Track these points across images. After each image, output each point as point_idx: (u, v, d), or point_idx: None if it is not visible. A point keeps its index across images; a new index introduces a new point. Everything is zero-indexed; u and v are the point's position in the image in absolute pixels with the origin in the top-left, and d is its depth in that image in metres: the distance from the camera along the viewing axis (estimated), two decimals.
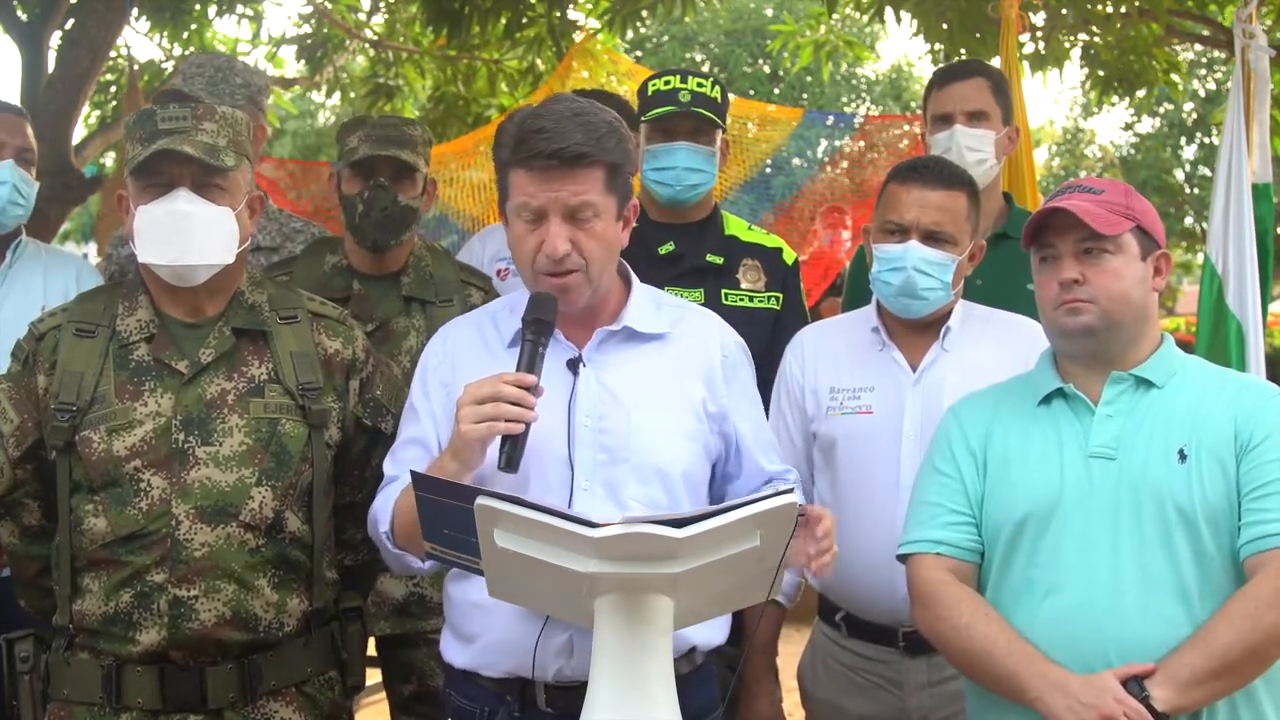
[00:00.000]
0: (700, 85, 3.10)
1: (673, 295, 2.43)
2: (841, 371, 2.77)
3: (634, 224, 2.24)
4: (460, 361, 2.26)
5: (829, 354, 2.80)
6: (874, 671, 2.72)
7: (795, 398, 2.81)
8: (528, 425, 2.01)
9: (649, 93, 3.15)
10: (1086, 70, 6.88)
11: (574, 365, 2.19)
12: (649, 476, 2.17)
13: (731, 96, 3.49)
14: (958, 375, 2.67)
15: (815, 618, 2.89)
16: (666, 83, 3.12)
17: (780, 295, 3.16)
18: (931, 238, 2.65)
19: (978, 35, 5.64)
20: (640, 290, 2.31)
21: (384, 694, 3.35)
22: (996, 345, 2.72)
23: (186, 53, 7.87)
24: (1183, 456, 2.18)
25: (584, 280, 2.14)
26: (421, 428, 2.25)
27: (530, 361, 2.07)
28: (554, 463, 2.14)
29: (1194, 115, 17.76)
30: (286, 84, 8.56)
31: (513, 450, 2.01)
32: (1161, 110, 17.33)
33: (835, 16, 6.87)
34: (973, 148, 3.21)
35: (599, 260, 2.14)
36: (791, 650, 2.94)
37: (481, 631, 2.18)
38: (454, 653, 2.25)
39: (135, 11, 6.53)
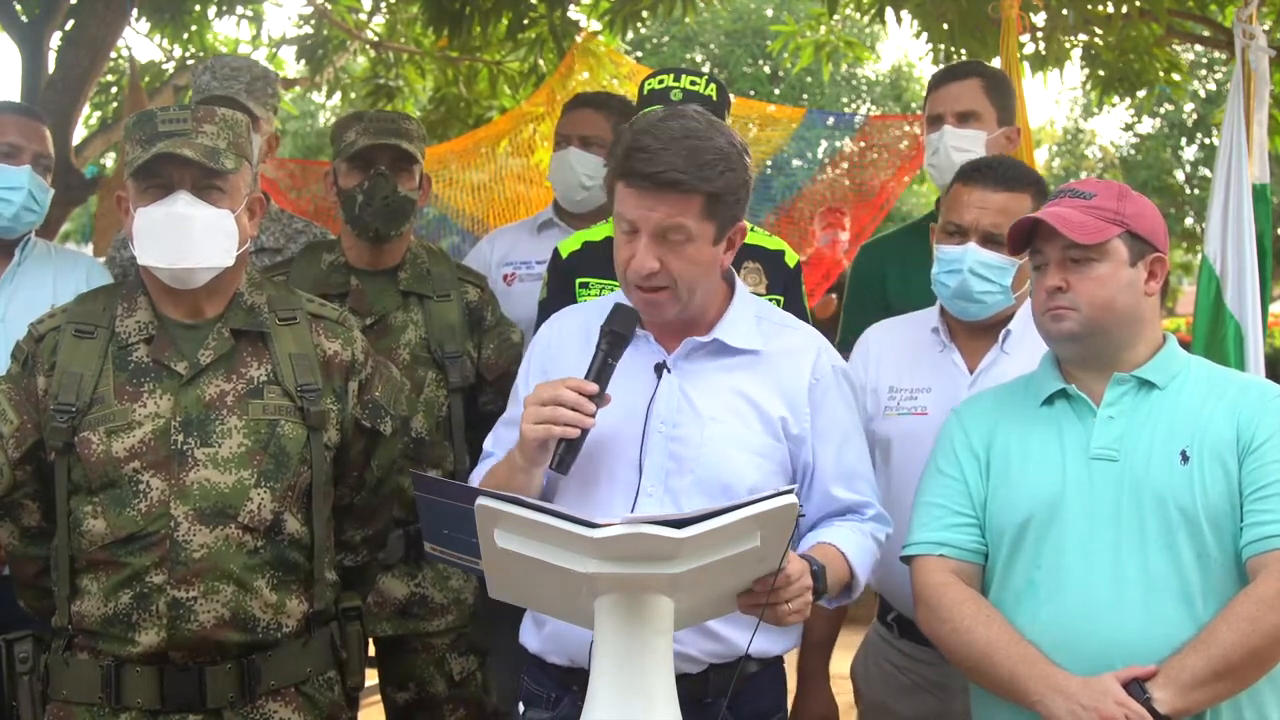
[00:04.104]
0: (694, 84, 3.09)
1: (780, 311, 2.43)
2: (902, 371, 2.75)
3: (739, 245, 2.24)
4: (561, 350, 2.31)
5: (891, 353, 2.79)
6: (918, 673, 2.72)
7: (858, 396, 2.80)
8: (584, 431, 2.05)
9: (644, 92, 3.14)
10: (1087, 70, 6.87)
11: (659, 370, 2.21)
12: (714, 490, 2.17)
13: (732, 97, 3.48)
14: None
15: (873, 619, 2.91)
16: (660, 81, 3.12)
17: (781, 298, 3.15)
18: (990, 240, 2.60)
19: (978, 36, 5.63)
20: (742, 304, 2.30)
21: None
22: None
23: (187, 53, 7.89)
24: (1185, 458, 2.18)
25: (671, 298, 2.15)
26: (520, 409, 2.27)
27: (599, 371, 2.11)
28: (624, 464, 2.17)
29: (1194, 116, 17.74)
30: (287, 84, 8.56)
31: (565, 453, 2.07)
32: (1162, 111, 17.31)
33: (835, 17, 6.85)
34: (960, 148, 3.19)
35: (687, 280, 2.15)
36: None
37: (549, 619, 2.22)
38: (529, 637, 2.30)
39: (135, 12, 6.52)
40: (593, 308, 2.37)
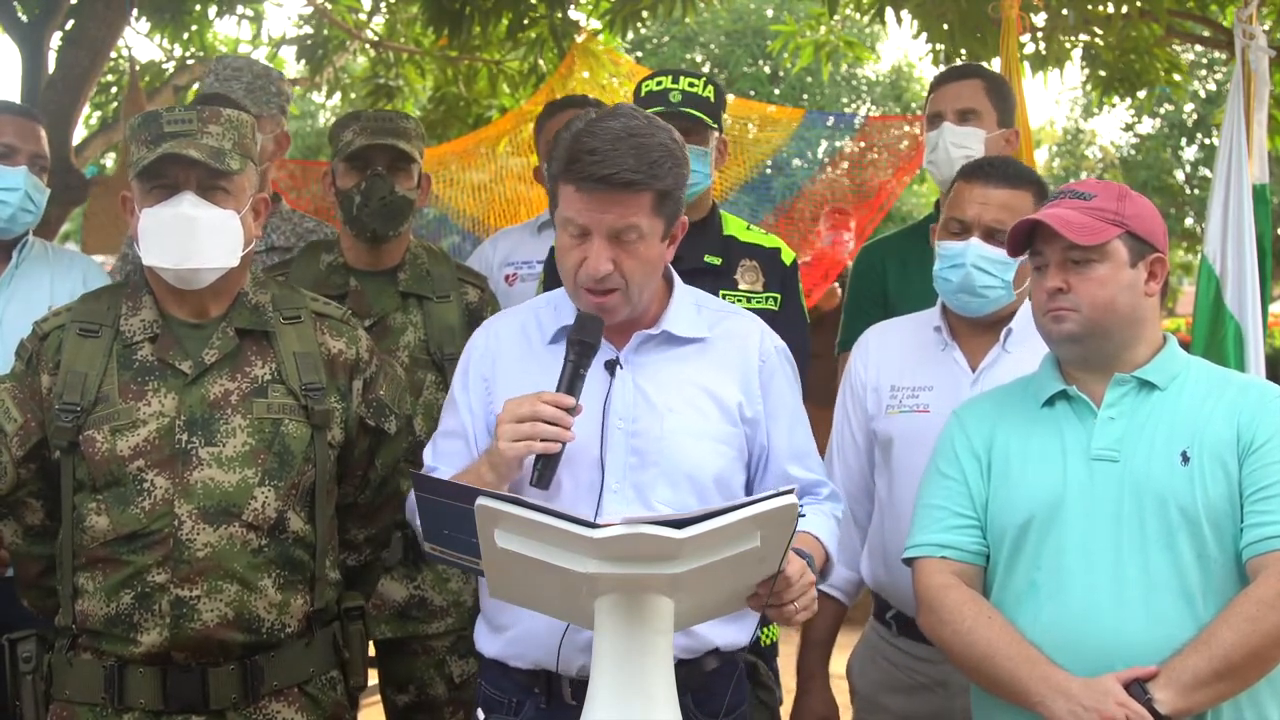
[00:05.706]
0: (692, 85, 3.10)
1: (716, 298, 2.44)
2: (904, 370, 2.76)
3: (679, 240, 2.24)
4: (501, 357, 2.29)
5: (892, 352, 2.80)
6: (920, 671, 2.72)
7: (859, 396, 2.81)
8: (563, 445, 2.05)
9: (642, 94, 3.15)
10: (1087, 71, 6.87)
11: (611, 367, 2.21)
12: (679, 481, 2.18)
13: (731, 97, 3.50)
14: (1017, 377, 2.66)
15: (869, 618, 2.91)
16: (658, 83, 3.12)
17: (778, 296, 3.15)
18: (993, 236, 2.62)
19: (978, 36, 5.64)
20: (682, 293, 2.31)
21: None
22: None
23: (187, 54, 7.89)
24: (1185, 458, 2.18)
25: (623, 298, 2.15)
26: (460, 419, 2.29)
27: (570, 382, 2.10)
28: (586, 464, 2.16)
29: (1194, 116, 17.74)
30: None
31: (545, 468, 2.07)
32: (1162, 111, 17.30)
33: (835, 17, 6.85)
34: (959, 144, 3.21)
35: (639, 279, 2.15)
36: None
37: (512, 623, 2.20)
38: (485, 642, 2.28)
39: (135, 12, 6.53)
40: (526, 310, 2.36)
